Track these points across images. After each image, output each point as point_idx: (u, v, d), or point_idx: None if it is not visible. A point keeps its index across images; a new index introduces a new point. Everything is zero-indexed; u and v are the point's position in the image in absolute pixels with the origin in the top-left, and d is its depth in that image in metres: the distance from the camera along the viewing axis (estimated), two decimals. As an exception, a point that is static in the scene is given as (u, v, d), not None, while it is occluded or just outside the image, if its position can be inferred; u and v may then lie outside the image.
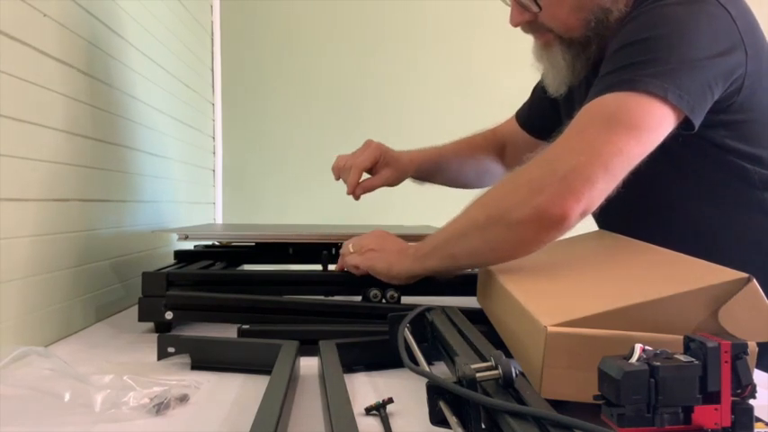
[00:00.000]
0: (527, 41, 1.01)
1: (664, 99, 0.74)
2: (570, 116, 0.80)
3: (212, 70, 2.06)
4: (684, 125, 0.77)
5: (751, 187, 0.86)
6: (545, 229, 0.74)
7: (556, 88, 0.98)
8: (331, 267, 1.12)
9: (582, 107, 0.79)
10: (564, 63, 0.93)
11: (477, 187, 1.25)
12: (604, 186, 0.73)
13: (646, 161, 0.77)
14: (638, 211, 0.92)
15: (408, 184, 2.18)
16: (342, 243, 1.13)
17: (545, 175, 0.74)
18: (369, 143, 1.18)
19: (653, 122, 0.74)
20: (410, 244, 0.91)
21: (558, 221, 0.72)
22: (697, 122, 0.77)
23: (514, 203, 0.75)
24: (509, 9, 0.94)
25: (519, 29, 0.96)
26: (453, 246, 0.82)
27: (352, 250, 0.95)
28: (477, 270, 0.89)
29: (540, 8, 0.90)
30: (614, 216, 0.92)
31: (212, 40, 2.06)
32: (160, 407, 0.58)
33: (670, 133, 0.77)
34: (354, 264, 0.93)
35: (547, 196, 0.72)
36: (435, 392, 0.47)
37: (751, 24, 0.83)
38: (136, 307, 0.91)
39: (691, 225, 0.89)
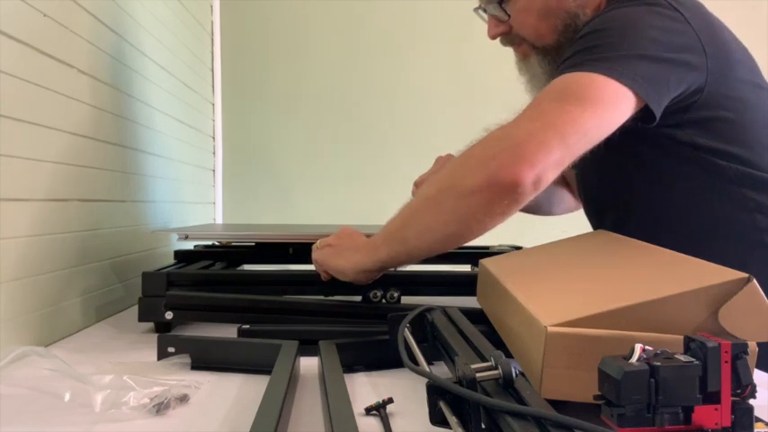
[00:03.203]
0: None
1: (617, 80, 0.74)
2: None
3: (212, 70, 2.06)
4: (647, 117, 0.77)
5: (728, 183, 0.86)
6: (497, 196, 0.71)
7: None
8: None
9: None
10: (541, 71, 0.95)
11: (547, 212, 1.21)
12: (559, 155, 0.71)
13: (618, 165, 0.77)
14: (622, 213, 0.93)
15: (406, 183, 2.18)
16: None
17: (498, 142, 0.73)
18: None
19: (606, 98, 0.74)
20: (367, 238, 0.89)
21: (511, 188, 0.70)
22: (656, 109, 0.77)
23: (466, 172, 0.74)
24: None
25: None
26: (404, 228, 0.80)
27: (318, 246, 0.94)
28: (477, 270, 0.89)
29: (509, 16, 0.93)
30: (603, 219, 0.93)
31: (212, 40, 2.06)
32: (160, 407, 0.58)
33: (639, 136, 0.78)
34: (314, 259, 0.92)
35: (498, 162, 0.71)
36: (435, 392, 0.47)
37: (709, 25, 0.84)
38: (136, 307, 0.91)
39: (672, 226, 0.90)
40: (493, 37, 0.97)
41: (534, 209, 1.17)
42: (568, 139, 0.71)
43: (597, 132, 0.74)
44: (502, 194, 0.71)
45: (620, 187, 0.94)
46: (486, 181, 0.71)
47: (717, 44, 0.82)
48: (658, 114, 0.77)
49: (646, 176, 0.90)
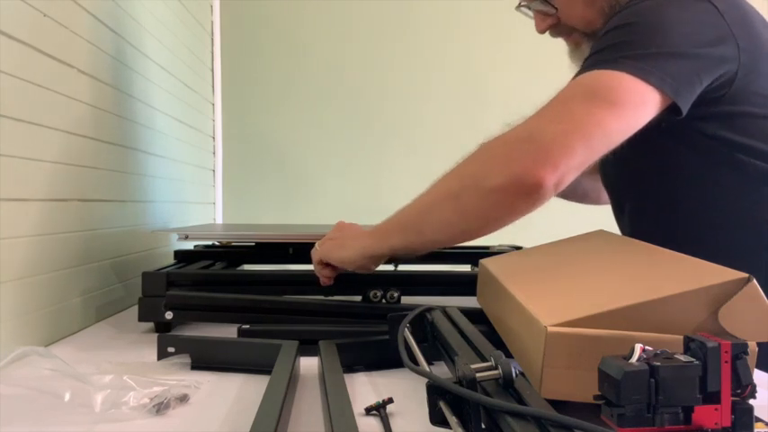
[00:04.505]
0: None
1: (645, 80, 0.74)
2: None
3: (212, 70, 2.06)
4: (673, 111, 0.77)
5: (747, 179, 0.85)
6: (519, 196, 0.72)
7: None
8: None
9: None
10: None
11: (595, 200, 1.20)
12: (582, 158, 0.72)
13: (638, 155, 0.77)
14: (640, 203, 0.93)
15: (407, 183, 2.18)
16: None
17: (522, 143, 0.73)
18: (341, 224, 1.13)
19: (633, 100, 0.74)
20: (368, 231, 0.88)
21: (533, 189, 0.71)
22: (684, 106, 0.77)
23: (489, 170, 0.74)
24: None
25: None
26: (422, 219, 0.80)
27: (317, 247, 0.93)
28: (477, 270, 0.89)
29: (555, 9, 0.92)
30: (622, 208, 0.92)
31: (212, 40, 2.06)
32: (160, 407, 0.58)
33: (662, 127, 0.78)
34: (317, 258, 0.91)
35: (523, 163, 0.71)
36: (435, 392, 0.47)
37: (743, 17, 0.82)
38: (136, 307, 0.91)
39: (688, 218, 0.89)
40: (541, 31, 0.97)
41: (582, 197, 1.18)
42: (592, 142, 0.72)
43: (621, 135, 0.74)
44: (524, 195, 0.72)
45: (639, 177, 0.94)
46: (509, 181, 0.72)
47: (750, 37, 0.81)
48: (685, 111, 0.77)
49: (665, 168, 0.89)
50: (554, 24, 0.95)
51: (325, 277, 0.92)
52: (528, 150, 0.72)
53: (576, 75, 0.79)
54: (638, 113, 0.74)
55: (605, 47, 0.79)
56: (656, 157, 0.89)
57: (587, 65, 0.78)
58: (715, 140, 0.84)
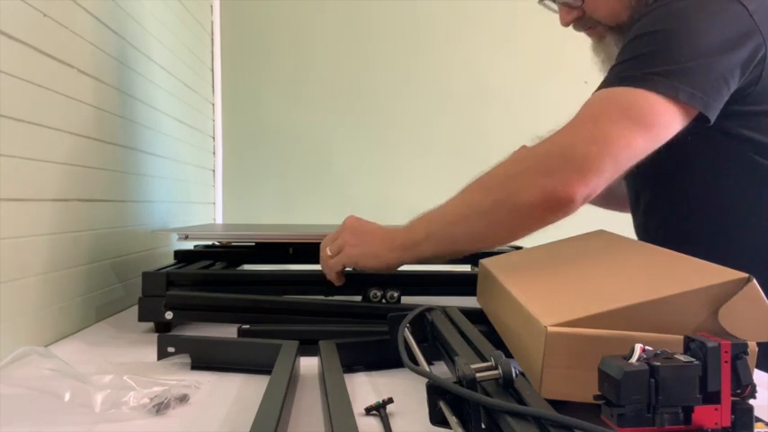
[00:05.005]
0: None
1: (675, 99, 0.75)
2: None
3: (212, 70, 2.06)
4: (702, 119, 0.78)
5: (760, 183, 0.86)
6: (551, 211, 0.76)
7: None
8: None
9: (597, 90, 0.79)
10: (618, 50, 0.93)
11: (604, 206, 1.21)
12: (610, 175, 0.75)
13: (658, 150, 0.78)
14: (656, 197, 0.93)
15: (407, 182, 2.18)
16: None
17: (556, 160, 0.75)
18: (348, 220, 1.13)
19: (663, 121, 0.76)
20: (392, 230, 0.89)
21: (566, 205, 0.74)
22: (713, 117, 0.78)
23: (522, 186, 0.76)
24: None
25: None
26: (452, 231, 0.82)
27: (330, 253, 0.92)
28: (477, 270, 0.89)
29: (582, 1, 0.93)
30: (638, 202, 0.93)
31: (212, 40, 2.06)
32: (160, 407, 0.58)
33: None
34: (339, 267, 0.90)
35: (556, 180, 0.74)
36: (435, 392, 0.47)
37: None
38: (136, 307, 0.91)
39: (703, 215, 0.89)
40: (566, 24, 0.97)
41: (618, 206, 1.17)
42: (621, 162, 0.76)
43: (646, 152, 0.77)
44: (555, 210, 0.75)
45: (656, 171, 0.94)
46: (542, 197, 0.75)
47: None
48: (714, 118, 0.78)
49: (683, 163, 0.90)
50: (579, 17, 0.96)
51: (339, 281, 0.92)
52: (561, 168, 0.75)
53: (604, 85, 0.79)
54: (667, 131, 0.77)
55: (632, 57, 0.79)
56: (674, 152, 0.89)
57: (616, 77, 0.79)
58: (736, 139, 0.85)
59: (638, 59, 0.79)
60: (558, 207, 0.75)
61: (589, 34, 0.99)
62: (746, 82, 0.80)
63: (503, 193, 0.78)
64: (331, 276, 0.93)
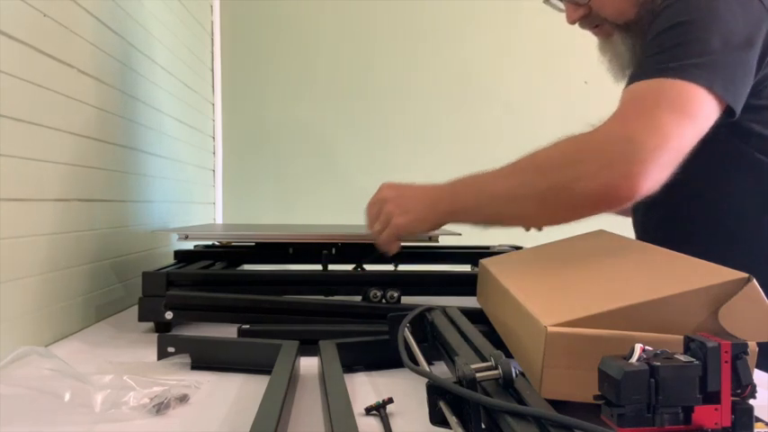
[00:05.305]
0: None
1: (713, 91, 0.75)
2: None
3: (212, 70, 2.06)
4: (727, 112, 0.78)
5: (763, 182, 0.86)
6: (610, 203, 0.74)
7: (622, 75, 0.99)
8: (333, 267, 1.12)
9: (635, 80, 0.78)
10: (624, 48, 0.95)
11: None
12: (670, 169, 0.74)
13: None
14: (659, 195, 0.93)
15: (406, 182, 2.17)
16: (341, 243, 1.13)
17: (617, 150, 0.73)
18: (384, 186, 1.09)
19: (705, 113, 0.76)
20: (434, 192, 0.87)
21: (627, 198, 0.73)
22: (738, 111, 0.78)
23: (581, 174, 0.74)
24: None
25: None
26: (501, 208, 0.81)
27: (379, 228, 0.91)
28: (477, 270, 0.89)
29: None
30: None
31: (212, 40, 2.06)
32: (160, 407, 0.58)
33: None
34: (393, 239, 0.90)
35: (618, 172, 0.72)
36: (435, 392, 0.47)
37: None
38: (136, 307, 0.91)
39: (702, 219, 0.90)
40: (572, 22, 0.97)
41: (621, 210, 1.16)
42: (679, 153, 0.74)
43: (694, 144, 0.76)
44: (614, 202, 0.74)
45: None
46: (603, 189, 0.73)
47: None
48: (738, 114, 0.79)
49: (684, 162, 0.89)
50: (585, 15, 0.95)
51: (397, 248, 0.92)
52: (624, 160, 0.72)
53: (642, 75, 0.78)
54: (708, 123, 0.76)
55: (668, 48, 0.79)
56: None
57: (654, 68, 0.78)
58: (744, 135, 0.85)
59: (673, 50, 0.78)
60: (618, 200, 0.73)
61: (595, 33, 0.99)
62: (763, 75, 0.81)
63: (560, 179, 0.75)
64: (388, 248, 0.92)
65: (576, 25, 0.98)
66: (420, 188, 0.90)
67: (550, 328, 0.53)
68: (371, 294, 0.91)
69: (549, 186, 0.76)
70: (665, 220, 0.95)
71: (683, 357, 0.44)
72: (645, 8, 0.90)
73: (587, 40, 1.04)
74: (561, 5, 0.98)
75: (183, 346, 0.72)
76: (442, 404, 0.47)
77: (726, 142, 0.86)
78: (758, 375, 0.62)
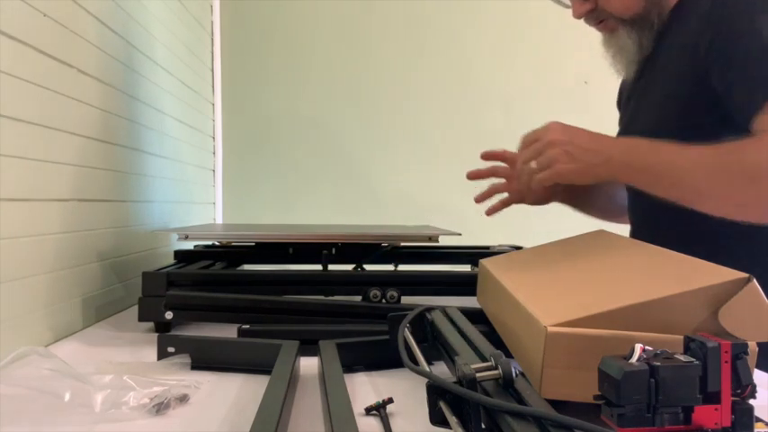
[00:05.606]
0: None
1: None
2: (644, 95, 0.87)
3: (212, 70, 2.06)
4: None
5: None
6: None
7: (626, 70, 1.00)
8: (333, 267, 1.12)
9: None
10: (631, 42, 0.95)
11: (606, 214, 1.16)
12: None
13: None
14: (658, 204, 0.93)
15: (406, 182, 2.18)
16: (341, 243, 1.13)
17: None
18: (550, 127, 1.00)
19: None
20: (608, 145, 0.83)
21: None
22: None
23: None
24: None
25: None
26: (694, 198, 0.80)
27: (536, 167, 0.83)
28: (477, 270, 0.89)
29: None
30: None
31: (212, 40, 2.06)
32: (160, 407, 0.59)
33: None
34: (548, 183, 0.83)
35: None
36: (435, 392, 0.47)
37: None
38: (136, 307, 0.91)
39: (703, 218, 0.89)
40: (579, 17, 0.97)
41: (617, 217, 1.15)
42: None
43: None
44: None
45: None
46: None
47: None
48: None
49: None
50: (591, 10, 0.96)
51: (545, 198, 0.90)
52: None
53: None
54: None
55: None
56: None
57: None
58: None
59: None
60: None
61: (600, 28, 0.99)
62: None
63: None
64: (536, 190, 0.88)
65: (579, 23, 0.99)
66: (593, 137, 0.83)
67: (550, 328, 0.53)
68: (371, 294, 0.91)
69: (757, 195, 0.76)
70: (667, 221, 0.95)
71: (683, 357, 0.44)
72: (650, 2, 0.91)
73: (587, 41, 1.04)
74: (567, 1, 0.99)
75: (183, 346, 0.73)
76: (442, 404, 0.47)
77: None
78: (758, 375, 0.62)
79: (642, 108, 1.01)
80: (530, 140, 0.85)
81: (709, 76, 0.86)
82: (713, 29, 0.85)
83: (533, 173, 0.84)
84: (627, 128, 1.06)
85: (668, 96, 0.94)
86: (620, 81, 1.14)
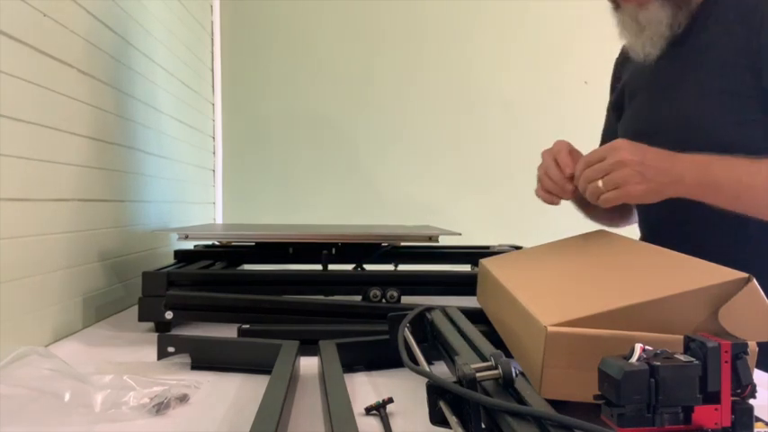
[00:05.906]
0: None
1: None
2: (681, 82, 0.86)
3: (212, 70, 2.06)
4: None
5: None
6: None
7: (651, 47, 0.93)
8: (333, 267, 1.12)
9: None
10: (664, 15, 0.91)
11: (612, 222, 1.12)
12: None
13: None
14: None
15: (406, 182, 2.18)
16: (341, 243, 1.13)
17: None
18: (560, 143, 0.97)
19: None
20: (677, 158, 0.80)
21: None
22: None
23: None
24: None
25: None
26: (753, 211, 0.81)
27: (603, 187, 0.79)
28: (477, 270, 0.89)
29: None
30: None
31: (212, 40, 2.06)
32: (160, 407, 0.59)
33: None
34: (616, 203, 0.80)
35: None
36: (435, 392, 0.47)
37: None
38: (136, 307, 0.91)
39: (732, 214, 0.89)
40: None
41: (623, 221, 1.12)
42: None
43: None
44: None
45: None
46: None
47: None
48: None
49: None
50: None
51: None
52: None
53: None
54: None
55: None
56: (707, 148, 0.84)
57: None
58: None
59: None
60: None
61: (627, 3, 0.94)
62: None
63: None
64: (604, 205, 0.81)
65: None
66: (663, 156, 0.80)
67: (550, 328, 0.53)
68: (371, 294, 0.91)
69: None
70: (684, 235, 0.93)
71: (683, 357, 0.44)
72: None
73: (587, 41, 1.04)
74: None
75: (183, 345, 0.73)
76: (442, 404, 0.47)
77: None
78: (758, 375, 0.62)
79: (682, 97, 0.95)
80: (595, 159, 0.81)
81: (761, 77, 0.84)
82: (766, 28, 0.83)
83: (600, 192, 0.79)
84: (656, 116, 0.99)
85: (722, 91, 0.89)
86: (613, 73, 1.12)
